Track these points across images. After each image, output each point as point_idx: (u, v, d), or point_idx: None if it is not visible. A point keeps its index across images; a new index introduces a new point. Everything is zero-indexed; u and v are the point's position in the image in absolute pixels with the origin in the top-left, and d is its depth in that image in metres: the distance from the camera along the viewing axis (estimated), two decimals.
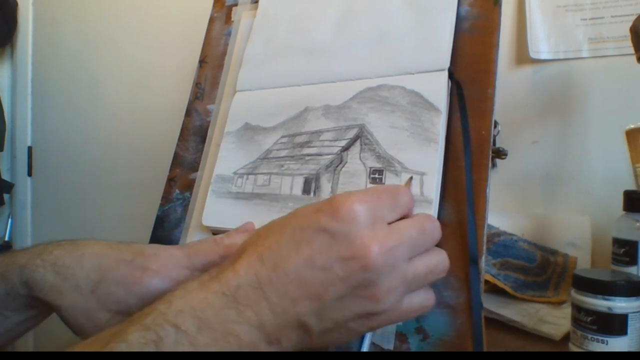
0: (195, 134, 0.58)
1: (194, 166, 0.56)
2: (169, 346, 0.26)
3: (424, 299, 0.32)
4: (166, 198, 0.56)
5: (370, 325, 0.31)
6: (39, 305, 0.38)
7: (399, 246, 0.29)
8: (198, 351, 0.27)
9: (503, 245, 0.63)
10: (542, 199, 0.73)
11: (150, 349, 0.26)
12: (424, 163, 0.41)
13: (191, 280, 0.30)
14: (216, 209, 0.50)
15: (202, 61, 0.62)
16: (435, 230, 0.32)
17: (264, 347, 0.28)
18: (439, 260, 0.32)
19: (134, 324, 0.27)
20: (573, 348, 0.43)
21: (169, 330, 0.27)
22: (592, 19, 0.71)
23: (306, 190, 0.45)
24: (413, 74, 0.46)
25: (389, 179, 0.42)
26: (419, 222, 0.32)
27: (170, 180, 0.57)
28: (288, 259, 0.29)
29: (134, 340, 0.26)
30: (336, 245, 0.29)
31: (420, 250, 0.31)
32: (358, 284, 0.29)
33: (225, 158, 0.52)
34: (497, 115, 0.43)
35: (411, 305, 0.31)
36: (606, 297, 0.41)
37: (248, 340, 0.28)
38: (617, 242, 0.50)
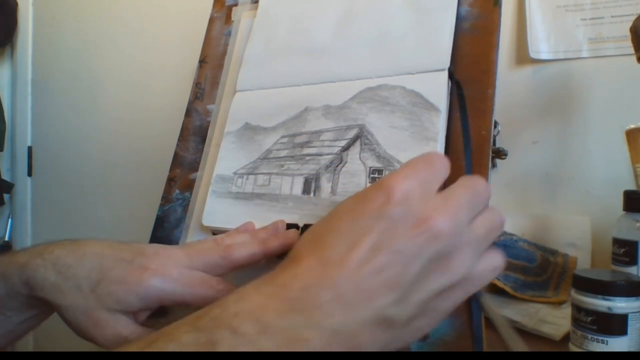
0: (195, 134, 0.58)
1: (194, 166, 0.56)
2: (225, 350, 0.24)
3: (493, 259, 0.31)
4: (166, 198, 0.56)
5: (453, 300, 0.29)
6: (39, 305, 0.38)
7: (458, 211, 0.28)
8: (260, 351, 0.25)
9: (503, 245, 0.63)
10: (542, 199, 0.73)
11: (204, 350, 0.24)
12: None
13: (244, 286, 0.28)
14: (216, 209, 0.50)
15: (202, 61, 0.62)
16: (486, 190, 0.31)
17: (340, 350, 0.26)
18: (495, 216, 0.31)
19: (185, 325, 0.26)
20: (573, 348, 0.43)
21: (224, 333, 0.25)
22: (592, 19, 0.71)
23: (306, 190, 0.45)
24: (413, 74, 0.46)
25: None
26: (469, 185, 0.30)
27: (170, 180, 0.57)
28: (353, 253, 0.27)
29: (187, 341, 0.25)
30: (400, 226, 0.28)
31: (476, 212, 0.30)
32: (431, 257, 0.27)
33: (225, 158, 0.52)
34: (497, 115, 0.43)
35: (484, 269, 0.30)
36: (606, 297, 0.41)
37: (321, 344, 0.25)
38: (617, 242, 0.50)
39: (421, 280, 0.27)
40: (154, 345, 0.25)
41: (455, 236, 0.28)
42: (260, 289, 0.27)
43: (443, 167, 0.31)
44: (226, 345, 0.24)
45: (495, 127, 0.43)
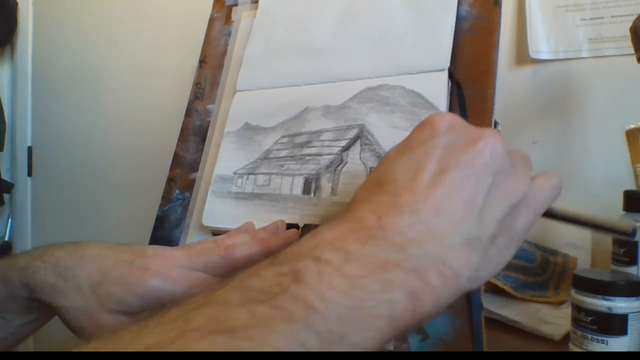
0: (195, 134, 0.58)
1: (194, 166, 0.56)
2: (310, 277, 0.23)
3: (548, 178, 0.31)
4: (166, 198, 0.56)
5: (525, 219, 0.29)
6: (39, 308, 0.38)
7: (500, 137, 0.29)
8: (351, 280, 0.23)
9: None
10: None
11: (287, 281, 0.23)
12: None
13: (315, 229, 0.27)
14: (216, 209, 0.50)
15: (202, 61, 0.62)
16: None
17: (433, 276, 0.24)
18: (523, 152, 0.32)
19: (262, 265, 0.25)
20: (573, 348, 0.43)
21: (306, 262, 0.23)
22: (592, 19, 0.71)
23: (306, 190, 0.45)
24: (413, 74, 0.46)
25: None
26: None
27: (170, 180, 0.57)
28: (418, 179, 0.27)
29: (267, 274, 0.23)
30: (456, 148, 0.28)
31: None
32: (495, 170, 0.27)
33: (225, 158, 0.52)
34: (497, 115, 0.43)
35: (542, 187, 0.30)
36: (606, 297, 0.41)
37: (412, 267, 0.24)
38: (617, 242, 0.50)
39: (492, 195, 0.27)
40: (237, 282, 0.24)
41: (508, 154, 0.28)
42: (334, 226, 0.26)
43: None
44: (311, 273, 0.23)
45: (495, 127, 0.43)
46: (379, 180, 0.28)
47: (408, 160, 0.28)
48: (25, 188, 1.27)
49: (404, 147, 0.30)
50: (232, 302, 0.22)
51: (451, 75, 0.44)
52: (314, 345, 0.21)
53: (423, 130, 0.30)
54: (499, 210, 0.27)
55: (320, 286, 0.22)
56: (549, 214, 0.33)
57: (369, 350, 0.23)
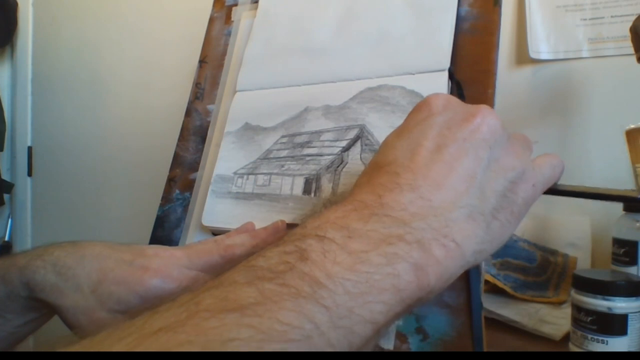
0: (195, 134, 0.58)
1: (194, 166, 0.56)
2: (315, 255, 0.23)
3: (547, 156, 0.32)
4: (166, 198, 0.56)
5: (524, 193, 0.29)
6: (39, 307, 0.38)
7: (496, 113, 0.29)
8: (355, 256, 0.23)
9: (503, 245, 0.63)
10: (541, 199, 0.73)
11: (293, 259, 0.23)
12: None
13: (318, 212, 0.27)
14: (216, 209, 0.50)
15: (202, 61, 0.62)
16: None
17: (436, 248, 0.24)
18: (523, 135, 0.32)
19: (269, 246, 0.25)
20: (573, 348, 0.43)
21: (310, 241, 0.24)
22: (592, 19, 0.71)
23: (307, 190, 0.45)
24: (413, 74, 0.46)
25: None
26: None
27: (170, 180, 0.57)
28: (416, 157, 0.27)
29: (271, 254, 0.24)
30: (452, 125, 0.28)
31: None
32: (492, 144, 0.28)
33: (225, 158, 0.52)
34: None
35: (542, 164, 0.31)
36: (606, 297, 0.41)
37: (415, 239, 0.24)
38: (617, 242, 0.50)
39: (491, 169, 0.27)
40: (244, 264, 0.24)
41: (504, 129, 0.29)
42: (336, 208, 0.26)
43: None
44: (316, 250, 0.23)
45: None
46: (378, 163, 0.29)
47: (406, 141, 0.29)
48: (25, 188, 1.27)
49: (402, 129, 0.30)
50: (239, 282, 0.22)
51: (451, 76, 0.44)
52: (323, 320, 0.21)
53: (420, 111, 0.30)
54: (498, 184, 0.28)
55: (326, 263, 0.23)
56: (555, 191, 0.33)
57: (380, 324, 0.23)
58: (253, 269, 0.23)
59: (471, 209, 0.26)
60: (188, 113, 0.60)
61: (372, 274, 0.23)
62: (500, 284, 0.58)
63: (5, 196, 1.26)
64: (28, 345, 1.26)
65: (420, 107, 0.30)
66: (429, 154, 0.27)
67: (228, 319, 0.20)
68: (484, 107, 0.29)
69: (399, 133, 0.30)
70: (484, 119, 0.28)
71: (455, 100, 0.30)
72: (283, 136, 0.50)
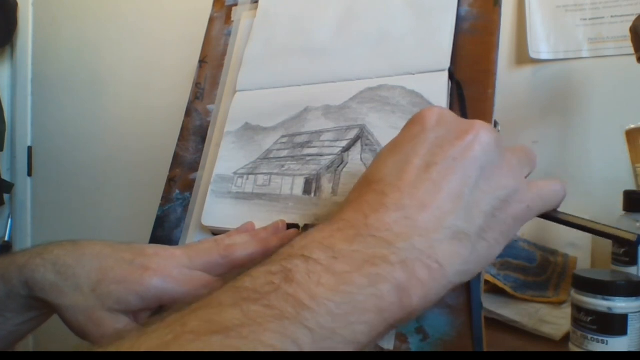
0: (195, 134, 0.58)
1: (194, 166, 0.56)
2: (300, 276, 0.23)
3: (549, 180, 0.31)
4: (166, 198, 0.56)
5: (516, 215, 0.28)
6: (39, 306, 0.38)
7: (492, 129, 0.29)
8: (339, 277, 0.23)
9: None
10: None
11: (278, 280, 0.23)
12: None
13: (305, 232, 0.27)
14: (216, 209, 0.50)
15: (202, 61, 0.62)
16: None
17: (420, 269, 0.25)
18: (525, 147, 0.31)
19: (257, 265, 0.25)
20: (573, 348, 0.43)
21: (296, 262, 0.24)
22: (592, 19, 0.71)
23: (307, 190, 0.45)
24: (413, 74, 0.46)
25: None
26: None
27: (170, 180, 0.57)
28: (405, 175, 0.27)
29: (257, 274, 0.24)
30: (444, 143, 0.28)
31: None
32: (483, 164, 0.27)
33: (225, 158, 0.52)
34: (497, 115, 0.43)
35: (541, 186, 0.30)
36: (606, 297, 0.41)
37: (399, 260, 0.24)
38: (618, 242, 0.50)
39: (480, 189, 0.27)
40: (230, 284, 0.24)
41: (498, 146, 0.28)
42: (323, 227, 0.27)
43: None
44: (301, 271, 0.24)
45: (495, 127, 0.43)
46: (368, 179, 0.29)
47: (396, 157, 0.29)
48: (25, 188, 1.27)
49: (395, 144, 0.30)
50: (225, 304, 0.23)
51: (451, 76, 0.44)
52: (306, 341, 0.22)
53: (413, 126, 0.30)
54: (487, 204, 0.27)
55: (310, 284, 0.23)
56: (553, 218, 0.33)
57: (362, 344, 0.23)
58: (239, 290, 0.23)
59: (456, 229, 0.26)
60: (188, 113, 0.60)
61: (355, 295, 0.23)
62: (500, 284, 0.58)
63: (5, 196, 1.26)
64: (28, 345, 1.26)
65: (415, 121, 0.30)
66: (417, 172, 0.27)
67: (213, 341, 0.20)
68: (478, 124, 0.29)
69: (392, 148, 0.30)
70: (477, 137, 0.28)
71: (450, 115, 0.30)
72: (283, 136, 0.50)
